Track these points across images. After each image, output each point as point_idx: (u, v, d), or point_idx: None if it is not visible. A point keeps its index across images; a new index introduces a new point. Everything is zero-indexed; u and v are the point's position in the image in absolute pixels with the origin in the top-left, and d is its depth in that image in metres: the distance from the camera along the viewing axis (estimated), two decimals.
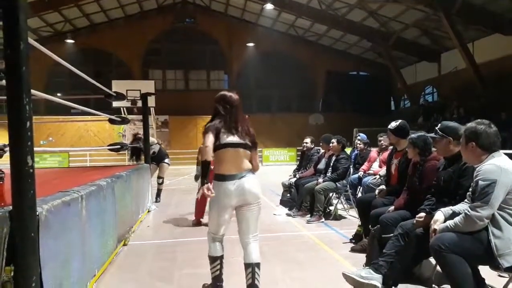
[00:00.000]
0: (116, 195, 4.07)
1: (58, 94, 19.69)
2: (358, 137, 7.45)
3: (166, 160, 7.83)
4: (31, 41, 2.35)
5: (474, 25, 14.88)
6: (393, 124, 4.36)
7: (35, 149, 1.99)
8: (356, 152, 7.61)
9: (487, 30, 14.85)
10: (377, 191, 4.23)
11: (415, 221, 2.95)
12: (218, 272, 2.94)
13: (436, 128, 3.11)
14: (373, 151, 6.67)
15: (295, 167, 7.94)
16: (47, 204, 2.23)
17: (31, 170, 1.94)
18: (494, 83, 14.09)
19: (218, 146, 2.77)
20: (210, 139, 2.74)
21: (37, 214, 2.01)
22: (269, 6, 16.75)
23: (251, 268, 2.78)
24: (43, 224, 2.07)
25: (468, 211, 2.42)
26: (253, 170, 2.90)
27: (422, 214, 2.91)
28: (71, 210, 2.62)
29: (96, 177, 4.01)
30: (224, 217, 2.84)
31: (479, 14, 13.92)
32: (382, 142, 6.05)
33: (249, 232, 2.86)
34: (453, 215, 2.60)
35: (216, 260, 2.94)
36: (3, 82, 1.96)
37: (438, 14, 14.21)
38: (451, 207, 2.68)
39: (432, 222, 2.65)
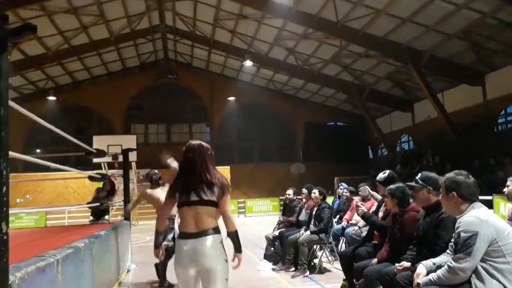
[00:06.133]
0: (94, 257, 3.93)
1: (38, 151, 19.48)
2: (341, 187, 7.56)
3: (106, 217, 7.14)
4: (11, 103, 2.37)
5: (442, 77, 15.78)
6: (381, 176, 4.31)
7: (10, 211, 1.95)
8: (338, 201, 7.68)
9: (454, 81, 15.75)
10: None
11: (395, 270, 3.02)
12: None
13: (416, 177, 3.20)
14: (355, 200, 6.73)
15: (278, 218, 7.88)
16: (20, 271, 2.13)
17: (5, 237, 1.88)
18: (465, 131, 14.69)
19: (178, 204, 2.68)
20: (167, 205, 2.74)
21: (10, 283, 1.93)
22: (248, 63, 17.41)
23: None
24: None
25: (451, 262, 2.44)
26: (227, 228, 2.66)
27: (403, 263, 2.98)
28: (46, 276, 2.51)
29: (73, 238, 3.89)
30: (183, 279, 2.61)
31: (445, 67, 14.77)
32: (360, 192, 6.12)
33: None
34: (436, 268, 2.62)
35: None
36: None
37: (408, 67, 15.05)
38: (432, 259, 2.71)
39: (414, 275, 2.65)
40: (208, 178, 2.63)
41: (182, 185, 2.67)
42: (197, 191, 2.61)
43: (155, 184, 5.66)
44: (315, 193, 6.13)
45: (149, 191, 5.70)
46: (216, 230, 2.60)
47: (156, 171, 5.83)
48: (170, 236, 5.31)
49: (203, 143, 2.79)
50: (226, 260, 2.60)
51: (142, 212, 16.18)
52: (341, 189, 7.61)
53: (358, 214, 4.45)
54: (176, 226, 5.21)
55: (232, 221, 2.67)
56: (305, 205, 6.60)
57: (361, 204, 4.47)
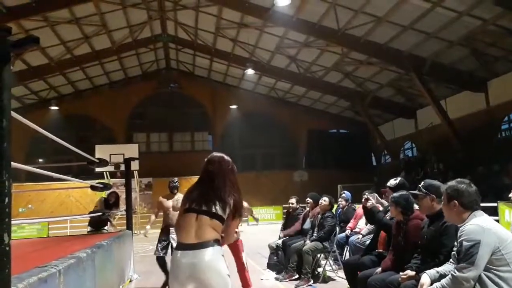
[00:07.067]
0: (97, 267, 3.91)
1: (40, 160, 19.53)
2: (343, 195, 7.51)
3: (106, 228, 7.14)
4: (13, 113, 2.37)
5: (444, 84, 15.77)
6: (392, 182, 4.27)
7: (12, 221, 1.94)
8: (339, 210, 7.62)
9: (457, 88, 15.73)
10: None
11: (400, 279, 2.98)
12: None
13: (419, 185, 3.17)
14: (360, 208, 6.66)
15: (281, 227, 7.82)
16: (23, 282, 2.12)
17: (7, 248, 1.87)
18: (469, 138, 14.63)
19: (184, 210, 2.51)
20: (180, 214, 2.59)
21: None
22: (250, 71, 17.48)
23: None
24: None
25: (454, 272, 2.41)
26: (224, 240, 2.54)
27: (408, 272, 2.95)
28: (48, 286, 2.48)
29: (75, 248, 3.87)
30: None
31: (448, 73, 14.78)
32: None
33: None
34: (440, 277, 2.59)
35: None
36: None
37: (410, 74, 15.05)
38: (436, 268, 2.68)
39: (419, 286, 2.63)
40: (222, 196, 2.51)
41: (196, 194, 2.55)
42: (209, 204, 2.48)
43: (170, 192, 5.72)
44: (326, 201, 6.05)
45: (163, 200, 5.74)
46: (217, 242, 2.43)
47: (175, 179, 5.85)
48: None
49: (226, 157, 2.67)
50: (228, 275, 2.40)
51: (144, 221, 16.11)
52: (343, 197, 7.55)
53: (366, 206, 4.31)
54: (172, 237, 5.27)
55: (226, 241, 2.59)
56: (310, 214, 6.55)
57: (370, 197, 4.38)
